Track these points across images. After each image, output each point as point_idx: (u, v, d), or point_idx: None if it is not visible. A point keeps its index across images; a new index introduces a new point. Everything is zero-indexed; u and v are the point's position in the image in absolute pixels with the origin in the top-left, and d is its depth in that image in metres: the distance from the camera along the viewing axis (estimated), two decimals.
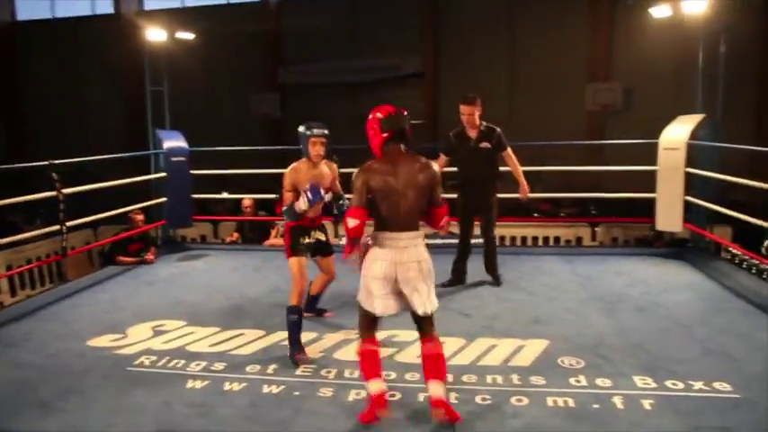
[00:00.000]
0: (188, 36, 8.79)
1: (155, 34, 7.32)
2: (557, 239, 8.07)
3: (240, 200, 7.35)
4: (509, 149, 4.80)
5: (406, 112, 2.81)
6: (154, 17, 13.42)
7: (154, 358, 3.55)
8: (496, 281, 4.89)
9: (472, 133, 4.72)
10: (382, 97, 14.60)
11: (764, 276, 4.64)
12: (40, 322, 4.30)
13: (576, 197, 9.87)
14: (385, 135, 2.74)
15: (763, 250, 4.70)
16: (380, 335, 3.41)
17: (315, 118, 3.80)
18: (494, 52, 14.01)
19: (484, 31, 14.02)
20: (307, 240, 3.75)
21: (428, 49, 14.43)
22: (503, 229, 7.64)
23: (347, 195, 3.30)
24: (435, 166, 2.85)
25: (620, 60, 13.31)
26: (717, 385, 3.03)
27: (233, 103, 15.15)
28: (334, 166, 3.84)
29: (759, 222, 4.58)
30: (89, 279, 5.42)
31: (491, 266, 4.92)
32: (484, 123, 4.75)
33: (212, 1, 15.49)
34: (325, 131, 3.67)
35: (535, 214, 9.78)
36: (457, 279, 4.85)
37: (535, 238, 8.08)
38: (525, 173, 4.92)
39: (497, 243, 5.07)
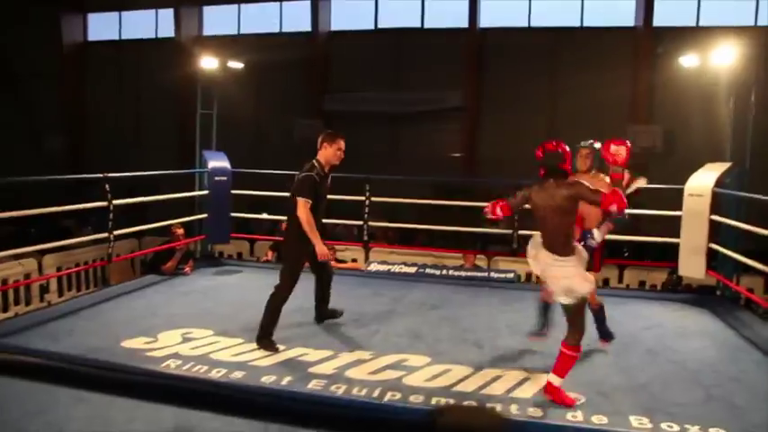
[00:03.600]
0: (238, 65, 9.30)
1: (208, 62, 7.82)
2: None
3: (279, 221, 7.60)
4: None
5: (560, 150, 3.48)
6: (209, 44, 14.13)
7: (179, 362, 3.82)
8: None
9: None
10: (423, 130, 15.05)
11: None
12: (81, 321, 4.66)
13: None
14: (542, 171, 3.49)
15: None
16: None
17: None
18: (535, 92, 14.22)
19: (525, 69, 14.26)
20: None
21: (471, 84, 14.72)
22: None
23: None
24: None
25: (660, 104, 13.33)
26: (713, 431, 3.09)
27: (279, 128, 15.69)
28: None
29: None
30: (129, 285, 5.80)
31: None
32: None
33: (265, 29, 16.23)
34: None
35: None
36: None
37: None
38: None
39: None
